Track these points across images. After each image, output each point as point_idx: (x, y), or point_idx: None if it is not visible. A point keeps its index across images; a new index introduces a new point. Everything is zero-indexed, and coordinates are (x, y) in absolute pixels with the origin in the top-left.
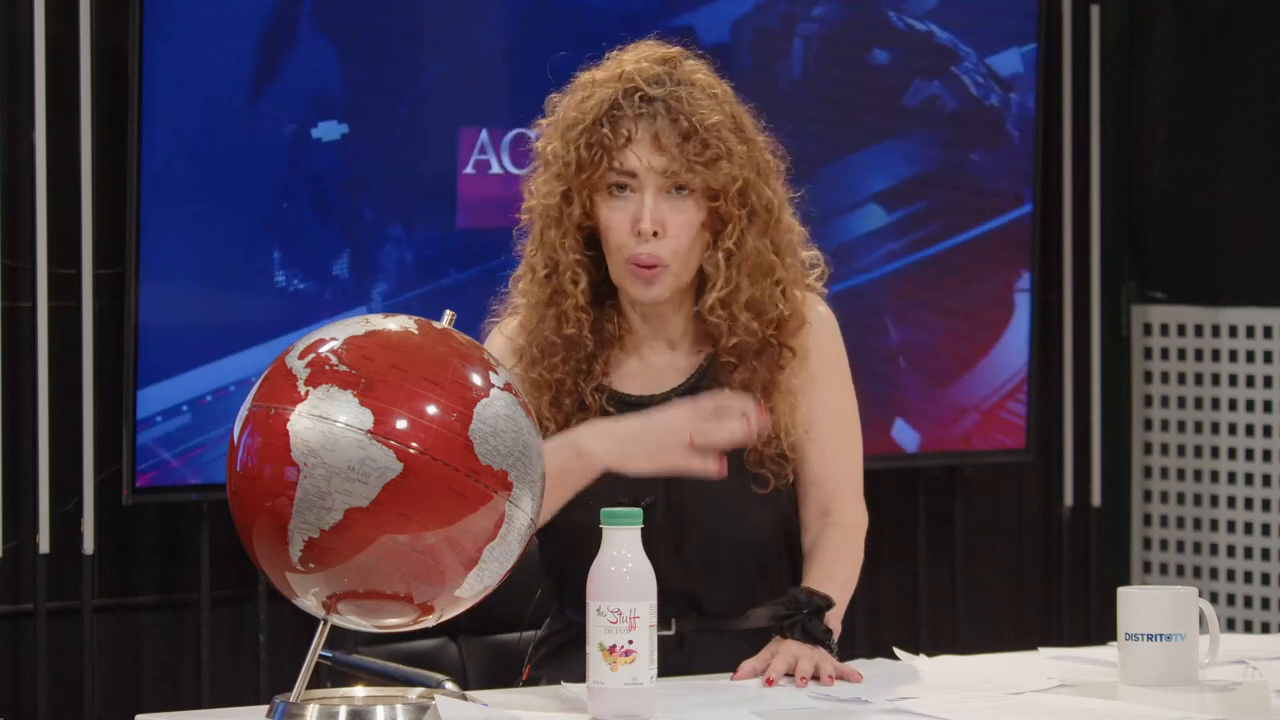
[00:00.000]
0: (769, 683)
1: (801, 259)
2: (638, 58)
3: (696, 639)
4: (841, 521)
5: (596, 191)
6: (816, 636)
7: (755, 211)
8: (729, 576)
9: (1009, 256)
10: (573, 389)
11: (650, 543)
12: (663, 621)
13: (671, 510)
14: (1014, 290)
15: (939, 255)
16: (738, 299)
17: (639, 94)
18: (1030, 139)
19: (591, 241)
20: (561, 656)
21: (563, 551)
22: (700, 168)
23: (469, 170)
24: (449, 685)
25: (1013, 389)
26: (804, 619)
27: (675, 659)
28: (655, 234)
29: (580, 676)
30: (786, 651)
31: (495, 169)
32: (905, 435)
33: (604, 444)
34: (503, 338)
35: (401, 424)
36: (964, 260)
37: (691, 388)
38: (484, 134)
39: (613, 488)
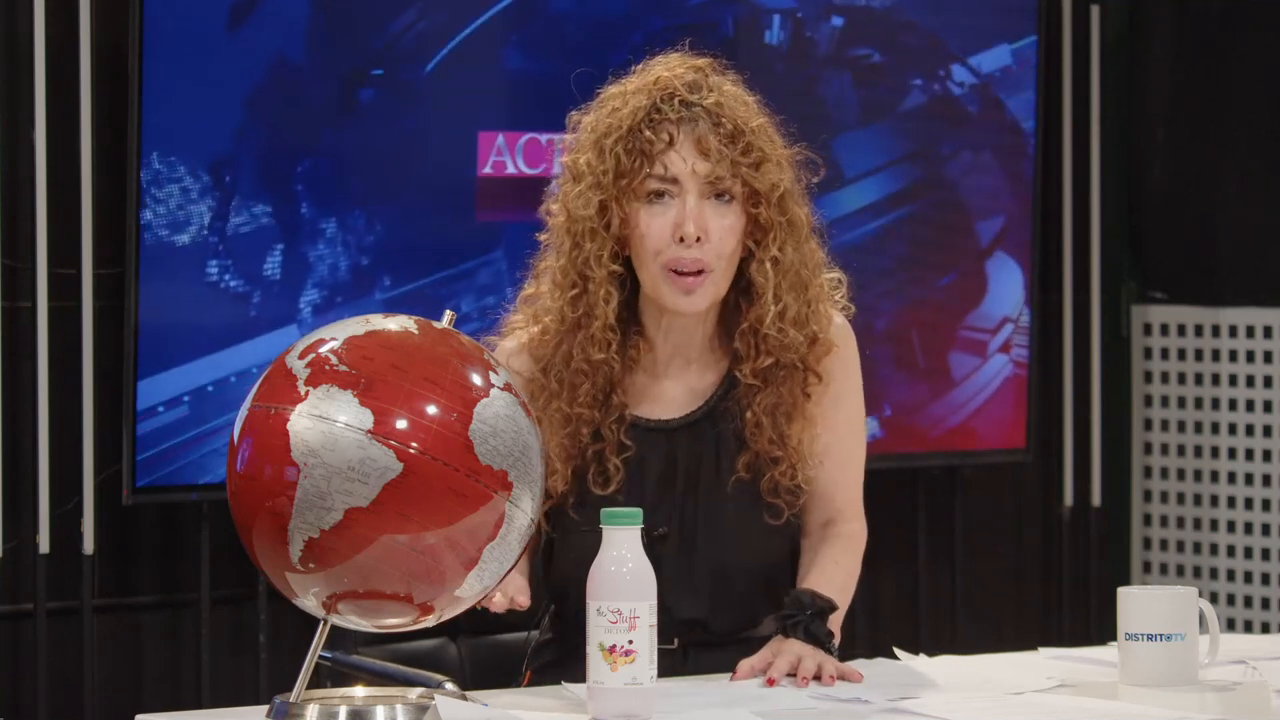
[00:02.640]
0: (771, 683)
1: (825, 279)
2: (668, 66)
3: (701, 652)
4: (843, 534)
5: (634, 200)
6: (819, 638)
7: (793, 223)
8: (737, 600)
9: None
10: (591, 420)
11: (662, 571)
12: (669, 639)
13: (684, 539)
14: (987, 248)
15: (924, 240)
16: (787, 313)
17: (677, 98)
18: (1020, 135)
19: (618, 258)
20: (562, 663)
21: (565, 571)
22: (746, 169)
23: (487, 170)
24: (449, 685)
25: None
26: (807, 620)
27: (679, 670)
28: (698, 239)
29: (580, 679)
30: (789, 651)
31: (510, 169)
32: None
33: None
34: (517, 368)
35: (401, 424)
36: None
37: (709, 411)
38: (500, 137)
39: None
